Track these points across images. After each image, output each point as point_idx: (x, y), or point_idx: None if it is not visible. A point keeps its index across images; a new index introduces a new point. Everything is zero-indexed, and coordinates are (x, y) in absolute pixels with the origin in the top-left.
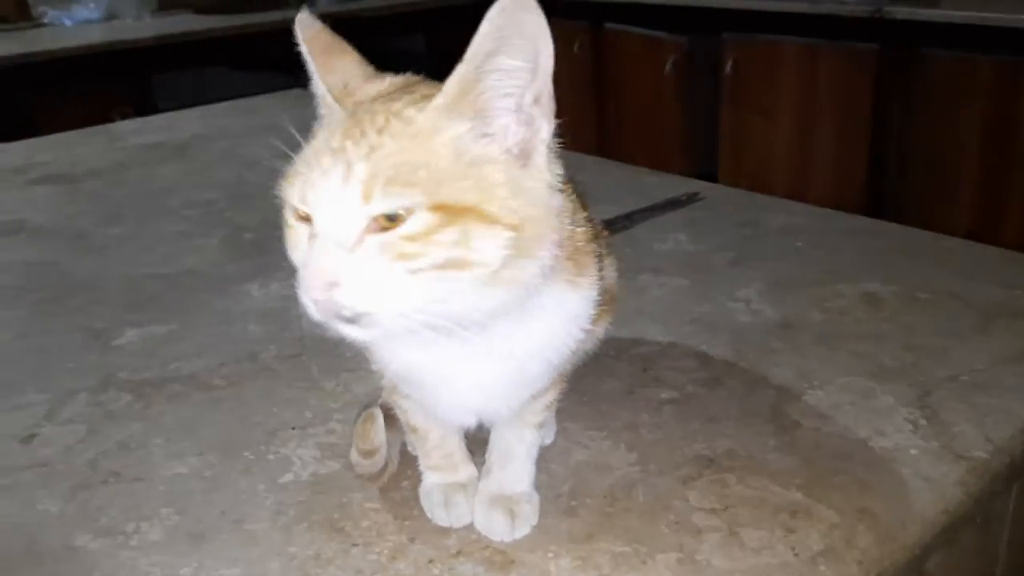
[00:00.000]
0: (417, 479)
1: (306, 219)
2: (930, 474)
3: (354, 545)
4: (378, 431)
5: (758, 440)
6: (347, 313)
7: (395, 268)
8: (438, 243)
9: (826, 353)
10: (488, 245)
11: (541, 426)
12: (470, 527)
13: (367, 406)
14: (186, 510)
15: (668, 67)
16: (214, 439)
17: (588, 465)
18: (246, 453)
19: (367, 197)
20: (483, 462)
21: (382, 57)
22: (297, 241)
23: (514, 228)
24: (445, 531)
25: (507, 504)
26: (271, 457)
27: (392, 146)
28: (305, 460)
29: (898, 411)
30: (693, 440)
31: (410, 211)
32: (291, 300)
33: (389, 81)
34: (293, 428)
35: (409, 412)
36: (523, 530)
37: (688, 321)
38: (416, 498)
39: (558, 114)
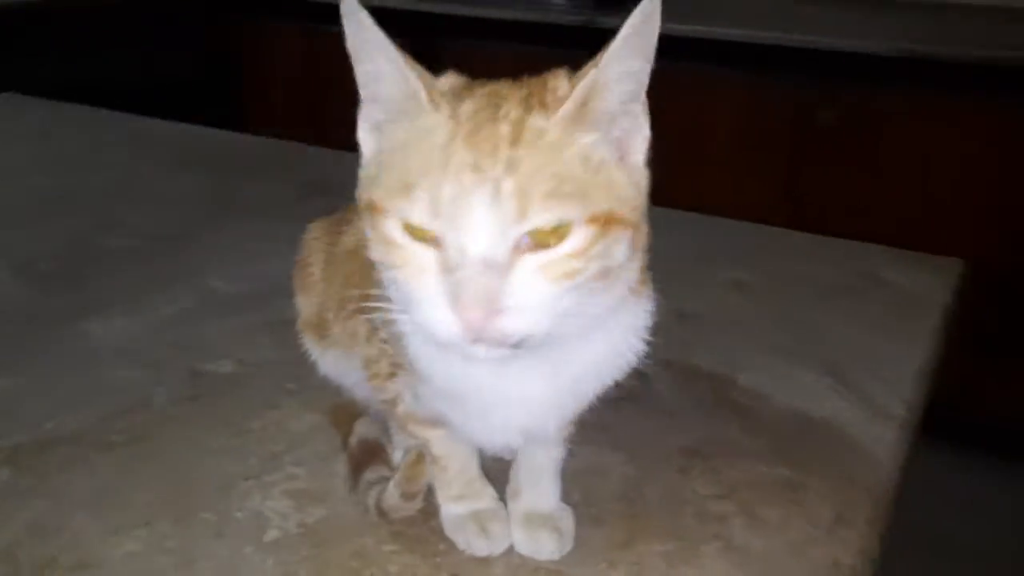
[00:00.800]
0: (422, 512)
1: (425, 239)
2: (876, 434)
3: None
4: (426, 472)
5: (722, 426)
6: (513, 340)
7: (556, 287)
8: (594, 255)
9: (730, 338)
10: (622, 249)
11: (566, 441)
12: (508, 552)
13: (411, 447)
14: None
15: None
16: (153, 505)
17: (586, 471)
18: (204, 515)
19: (522, 213)
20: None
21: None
22: (416, 263)
23: (635, 227)
24: (484, 561)
25: (547, 522)
26: (239, 515)
27: (533, 159)
28: (282, 511)
29: (819, 383)
30: (666, 433)
31: (568, 225)
32: (147, 338)
33: (459, 81)
34: (247, 479)
35: (432, 441)
36: (569, 545)
37: None
38: (433, 532)
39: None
